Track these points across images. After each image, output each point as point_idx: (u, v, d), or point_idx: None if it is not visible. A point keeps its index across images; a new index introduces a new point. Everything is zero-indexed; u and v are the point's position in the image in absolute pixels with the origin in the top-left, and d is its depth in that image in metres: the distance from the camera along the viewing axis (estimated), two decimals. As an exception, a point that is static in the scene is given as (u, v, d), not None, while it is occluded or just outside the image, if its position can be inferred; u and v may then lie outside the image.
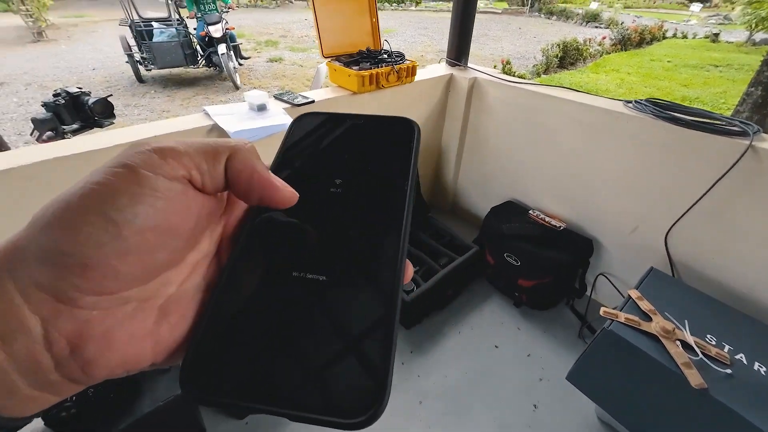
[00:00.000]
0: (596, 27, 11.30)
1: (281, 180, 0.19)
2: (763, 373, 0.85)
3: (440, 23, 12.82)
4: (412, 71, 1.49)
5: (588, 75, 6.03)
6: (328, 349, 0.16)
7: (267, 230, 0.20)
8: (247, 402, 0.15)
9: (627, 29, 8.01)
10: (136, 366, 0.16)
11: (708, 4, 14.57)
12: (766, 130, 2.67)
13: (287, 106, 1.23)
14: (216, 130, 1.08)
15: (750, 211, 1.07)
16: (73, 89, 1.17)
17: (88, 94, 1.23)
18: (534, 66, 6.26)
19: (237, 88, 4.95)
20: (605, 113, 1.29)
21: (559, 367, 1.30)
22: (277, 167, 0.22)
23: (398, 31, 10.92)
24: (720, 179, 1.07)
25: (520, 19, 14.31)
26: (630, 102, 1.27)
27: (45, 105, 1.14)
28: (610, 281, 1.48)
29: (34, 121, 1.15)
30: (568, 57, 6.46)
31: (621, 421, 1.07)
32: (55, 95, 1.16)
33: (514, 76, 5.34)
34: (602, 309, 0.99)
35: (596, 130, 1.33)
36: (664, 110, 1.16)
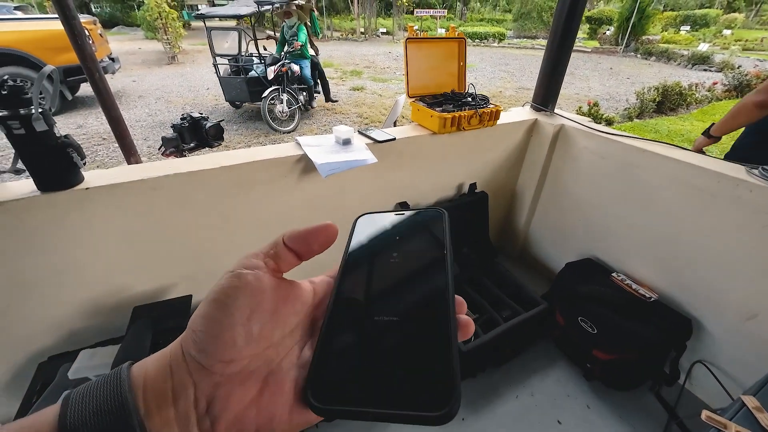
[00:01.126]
0: (705, 70, 10.16)
1: (319, 224, 0.26)
2: None
3: (521, 60, 12.67)
4: (495, 115, 1.47)
5: (692, 123, 5.37)
6: (409, 366, 0.21)
7: (349, 293, 0.26)
8: (360, 407, 0.20)
9: (746, 74, 7.04)
10: (243, 428, 0.20)
11: None
12: None
13: (370, 141, 1.29)
14: (305, 159, 1.17)
15: None
16: (196, 114, 1.40)
17: (207, 119, 1.45)
18: (626, 109, 5.78)
19: (274, 129, 4.76)
20: (720, 178, 1.12)
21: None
22: (352, 250, 0.30)
23: (478, 66, 11.03)
24: None
25: (612, 58, 13.52)
26: (756, 168, 1.10)
27: (173, 126, 1.37)
28: (713, 373, 1.24)
29: (163, 139, 1.39)
30: (667, 102, 5.86)
31: None
32: (182, 118, 1.39)
33: (602, 118, 5.02)
34: (705, 413, 0.82)
35: (707, 195, 1.16)
36: (803, 183, 0.97)
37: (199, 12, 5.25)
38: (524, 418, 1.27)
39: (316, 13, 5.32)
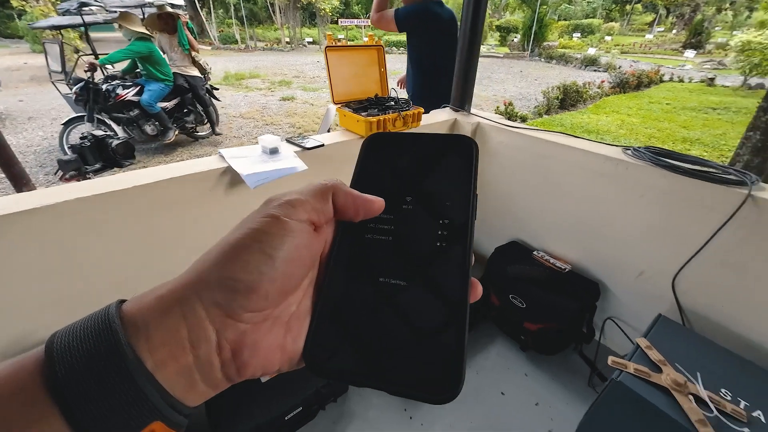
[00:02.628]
0: (595, 71, 11.79)
1: (371, 196, 0.24)
2: (783, 433, 0.81)
3: (445, 66, 13.51)
4: (417, 117, 1.56)
5: (589, 116, 6.21)
6: (411, 339, 0.20)
7: (355, 247, 0.24)
8: (354, 382, 0.20)
9: (625, 73, 8.35)
10: (269, 370, 0.21)
11: (701, 51, 15.19)
12: (767, 173, 2.68)
13: (298, 149, 1.29)
14: (230, 172, 1.13)
15: (757, 260, 1.06)
16: (99, 132, 1.25)
17: (112, 136, 1.31)
18: (536, 107, 6.49)
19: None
20: (606, 160, 1.33)
21: (570, 418, 1.24)
22: (355, 185, 0.25)
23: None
24: (721, 228, 1.08)
25: (521, 62, 15.02)
26: (629, 149, 1.31)
27: (71, 147, 1.22)
28: (619, 326, 1.44)
29: (60, 162, 1.22)
30: (568, 99, 6.70)
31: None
32: (82, 137, 1.24)
33: (516, 116, 5.55)
34: (610, 358, 0.97)
35: (599, 176, 1.36)
36: (661, 158, 1.20)
37: (35, 24, 4.54)
38: (472, 395, 1.35)
39: (190, 25, 4.25)
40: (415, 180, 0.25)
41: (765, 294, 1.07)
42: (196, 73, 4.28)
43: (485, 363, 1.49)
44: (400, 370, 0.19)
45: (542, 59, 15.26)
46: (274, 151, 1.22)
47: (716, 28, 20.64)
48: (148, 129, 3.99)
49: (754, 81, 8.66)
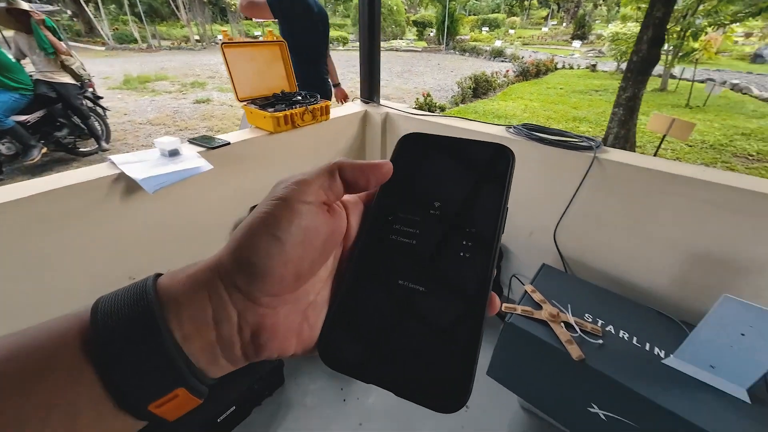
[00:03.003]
0: (502, 61, 12.92)
1: (376, 160, 0.24)
2: (626, 338, 1.04)
3: (367, 61, 13.69)
4: (326, 110, 1.61)
5: (498, 102, 6.83)
6: (423, 346, 0.20)
7: (378, 246, 0.23)
8: (363, 378, 0.20)
9: (525, 63, 9.30)
10: (285, 353, 0.22)
11: (586, 41, 17.52)
12: (631, 141, 3.24)
13: (202, 149, 1.26)
14: (124, 178, 1.07)
15: (606, 210, 1.32)
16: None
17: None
18: (452, 97, 6.94)
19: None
20: (493, 138, 1.52)
21: (487, 367, 1.42)
22: (387, 184, 0.25)
23: (328, 69, 11.41)
24: (579, 186, 1.31)
25: (438, 56, 15.82)
26: (510, 127, 1.52)
27: None
28: (520, 280, 1.67)
29: None
30: (480, 88, 7.28)
31: (533, 403, 1.20)
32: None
33: (435, 106, 5.87)
34: (504, 305, 1.14)
35: (488, 152, 1.55)
36: (532, 132, 1.41)
37: None
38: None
39: (49, 23, 3.42)
40: (445, 185, 0.24)
41: (615, 237, 1.34)
42: (67, 79, 3.63)
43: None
44: (409, 374, 0.19)
45: (457, 52, 16.25)
46: (174, 153, 1.18)
47: (596, 21, 23.89)
48: (2, 148, 3.38)
49: (624, 66, 10.26)
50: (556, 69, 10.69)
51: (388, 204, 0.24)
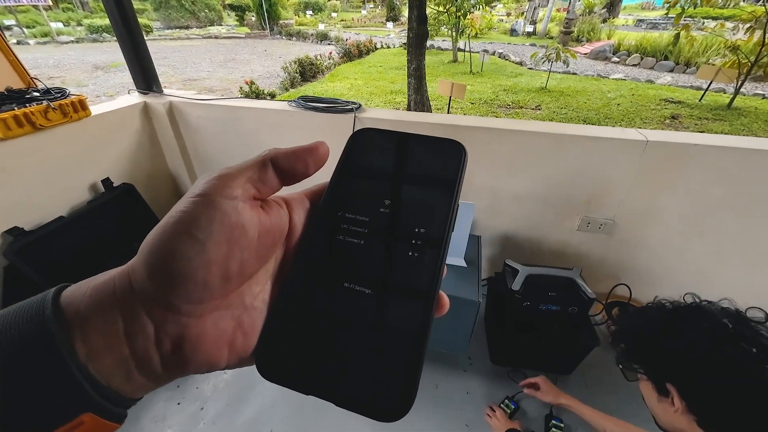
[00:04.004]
0: (329, 44, 13.29)
1: (310, 143, 0.22)
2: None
3: (181, 52, 12.01)
4: (81, 105, 1.42)
5: (326, 84, 7.11)
6: (367, 353, 0.19)
7: (323, 246, 0.22)
8: (302, 390, 0.19)
9: (347, 44, 9.85)
10: (215, 365, 0.19)
11: (397, 22, 19.59)
12: (426, 105, 3.88)
13: None
14: None
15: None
16: None
17: None
18: (281, 82, 6.85)
19: None
20: (278, 113, 1.64)
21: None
22: (336, 181, 0.24)
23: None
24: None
25: (264, 41, 15.10)
26: (292, 102, 1.66)
27: None
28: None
29: None
30: (307, 71, 7.39)
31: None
32: None
33: (264, 93, 5.69)
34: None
35: (281, 126, 1.67)
36: (308, 102, 1.59)
37: None
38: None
39: None
40: (396, 183, 0.24)
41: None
42: None
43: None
44: (351, 384, 0.19)
45: (284, 37, 15.84)
46: None
47: (405, 4, 26.77)
48: None
49: (429, 43, 11.99)
50: (376, 49, 11.68)
51: (336, 202, 0.23)
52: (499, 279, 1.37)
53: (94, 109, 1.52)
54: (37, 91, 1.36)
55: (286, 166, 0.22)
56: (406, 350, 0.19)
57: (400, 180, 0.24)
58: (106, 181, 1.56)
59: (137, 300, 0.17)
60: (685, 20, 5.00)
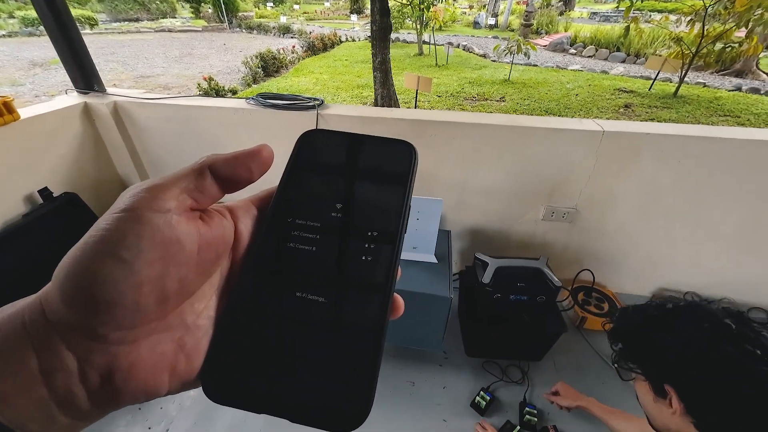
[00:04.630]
0: (292, 38, 12.90)
1: (252, 147, 0.21)
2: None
3: (131, 46, 11.24)
4: (6, 108, 1.28)
5: (291, 79, 6.91)
6: (320, 363, 0.18)
7: (273, 255, 0.21)
8: (254, 409, 0.18)
9: (310, 37, 9.60)
10: (154, 394, 0.17)
11: (362, 15, 19.34)
12: (393, 98, 3.86)
13: None
14: None
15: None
16: None
17: None
18: (243, 78, 6.57)
19: None
20: (235, 111, 1.55)
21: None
22: (285, 185, 0.23)
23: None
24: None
25: (223, 35, 14.43)
26: (250, 99, 1.58)
27: None
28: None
29: None
30: (269, 66, 7.13)
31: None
32: None
33: (224, 90, 5.44)
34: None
35: (239, 125, 1.59)
36: (267, 99, 1.52)
37: None
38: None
39: None
40: (347, 185, 0.23)
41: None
42: None
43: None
44: (304, 397, 0.18)
45: (244, 30, 15.20)
46: None
47: (367, -3, 26.42)
48: None
49: (394, 36, 11.93)
50: (341, 42, 11.47)
51: (286, 207, 0.22)
52: (470, 272, 1.39)
53: (24, 112, 1.37)
54: (-49, 93, 1.20)
55: (226, 172, 0.20)
56: (361, 358, 0.18)
57: (351, 182, 0.23)
58: (44, 191, 1.42)
59: (54, 332, 0.15)
60: (634, 13, 5.27)
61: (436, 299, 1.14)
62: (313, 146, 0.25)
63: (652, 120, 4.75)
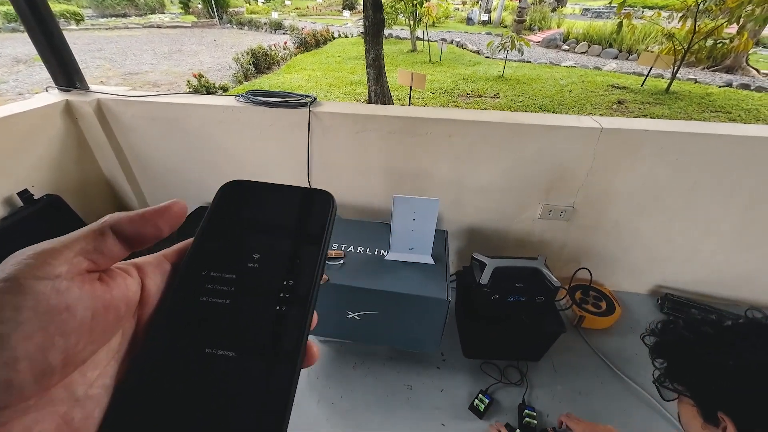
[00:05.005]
0: (284, 34, 12.75)
1: (163, 204, 0.20)
2: (361, 251, 1.28)
3: (118, 42, 11.01)
4: (-18, 107, 1.21)
5: (283, 76, 6.81)
6: (228, 421, 0.18)
7: (183, 312, 0.20)
8: None
9: (303, 33, 9.48)
10: None
11: (355, 11, 19.17)
12: (387, 95, 3.82)
13: None
14: None
15: (334, 153, 1.54)
16: None
17: None
18: (234, 75, 6.47)
19: None
20: (229, 109, 1.50)
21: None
22: (201, 238, 0.22)
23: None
24: (309, 138, 1.48)
25: (213, 31, 14.22)
26: (239, 96, 1.53)
27: None
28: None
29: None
30: (261, 62, 7.03)
31: (324, 334, 1.38)
32: None
33: (215, 87, 5.34)
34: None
35: (229, 123, 1.53)
36: (258, 97, 1.47)
37: None
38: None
39: None
40: (265, 235, 0.23)
41: (348, 176, 1.59)
42: None
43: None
44: None
45: (234, 26, 14.98)
46: None
47: (360, -8, 26.19)
48: None
49: (387, 32, 11.85)
50: (334, 38, 11.36)
51: (201, 260, 0.22)
52: (468, 273, 1.36)
53: (1, 111, 1.31)
54: None
55: (131, 231, 0.19)
56: (271, 411, 0.18)
57: (269, 233, 0.23)
58: (24, 194, 1.36)
59: None
60: (626, 9, 5.28)
61: (433, 302, 1.11)
62: (233, 197, 0.24)
63: (645, 116, 4.78)
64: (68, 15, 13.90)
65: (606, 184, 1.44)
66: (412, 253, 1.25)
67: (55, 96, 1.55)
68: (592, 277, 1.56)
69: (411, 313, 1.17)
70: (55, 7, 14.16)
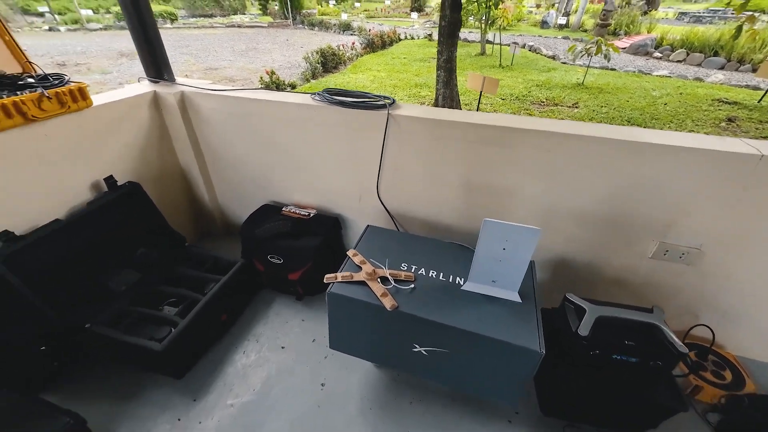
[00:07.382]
0: (351, 35, 12.99)
1: None
2: (434, 276, 1.13)
3: (202, 40, 12.00)
4: (82, 94, 1.26)
5: (349, 75, 6.87)
6: None
7: None
8: None
9: (370, 35, 9.55)
10: None
11: (422, 13, 19.03)
12: (456, 99, 3.60)
13: None
14: None
15: (405, 159, 1.39)
16: None
17: None
18: (302, 73, 6.66)
19: None
20: (304, 107, 1.43)
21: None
22: None
23: (153, 52, 9.57)
24: (384, 141, 1.36)
25: (287, 31, 14.94)
26: (315, 95, 1.45)
27: None
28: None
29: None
30: (329, 62, 7.17)
31: (373, 360, 1.24)
32: None
33: (284, 84, 5.52)
34: (325, 275, 1.11)
35: (302, 122, 1.47)
36: (334, 96, 1.38)
37: None
38: (254, 363, 1.35)
39: None
40: None
41: (419, 185, 1.44)
42: None
43: (264, 328, 1.50)
44: None
45: (306, 26, 15.63)
46: None
47: (429, -5, 26.03)
48: None
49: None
50: (400, 40, 11.32)
51: None
52: (558, 315, 1.14)
53: (97, 99, 1.36)
54: (32, 77, 1.20)
55: None
56: None
57: None
58: (109, 180, 1.40)
59: None
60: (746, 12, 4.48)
61: (522, 351, 0.92)
62: None
63: (765, 138, 4.01)
64: (165, 15, 15.56)
65: (751, 226, 1.13)
66: (496, 286, 1.07)
67: (145, 86, 1.60)
68: (714, 337, 1.25)
69: (491, 359, 0.98)
70: (156, 8, 15.92)
